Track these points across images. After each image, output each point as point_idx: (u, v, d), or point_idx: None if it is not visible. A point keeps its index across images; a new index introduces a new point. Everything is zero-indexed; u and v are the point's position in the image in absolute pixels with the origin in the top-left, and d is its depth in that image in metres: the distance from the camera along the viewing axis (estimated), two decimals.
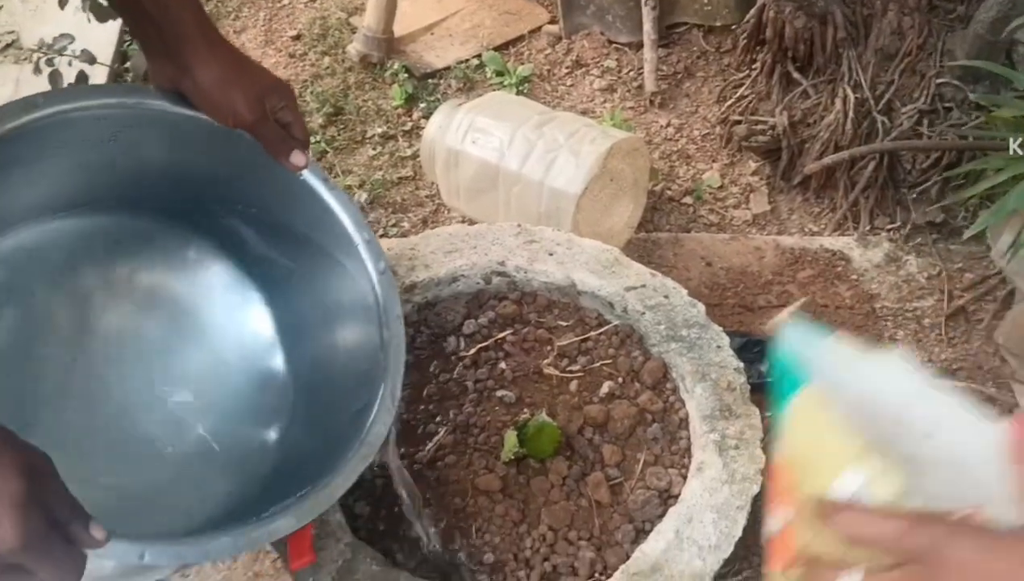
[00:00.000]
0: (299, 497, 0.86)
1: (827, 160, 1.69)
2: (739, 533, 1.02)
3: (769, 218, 1.84)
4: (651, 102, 2.03)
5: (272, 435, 1.07)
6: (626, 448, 1.13)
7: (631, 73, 2.11)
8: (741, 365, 1.16)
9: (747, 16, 1.84)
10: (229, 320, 1.11)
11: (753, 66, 1.87)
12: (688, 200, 1.87)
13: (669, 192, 1.88)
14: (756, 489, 1.05)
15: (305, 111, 2.06)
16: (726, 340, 1.18)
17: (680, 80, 2.09)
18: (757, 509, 1.15)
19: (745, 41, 1.85)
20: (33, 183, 0.93)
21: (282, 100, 0.90)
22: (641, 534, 1.07)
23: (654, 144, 1.97)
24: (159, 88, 0.90)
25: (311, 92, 2.13)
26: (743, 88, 1.90)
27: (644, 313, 1.20)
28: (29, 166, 0.89)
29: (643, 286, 1.22)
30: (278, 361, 1.11)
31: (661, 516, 1.07)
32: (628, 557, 1.04)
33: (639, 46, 2.12)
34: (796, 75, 1.77)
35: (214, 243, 1.10)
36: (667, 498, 1.09)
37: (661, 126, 2.01)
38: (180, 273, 1.09)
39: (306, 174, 0.99)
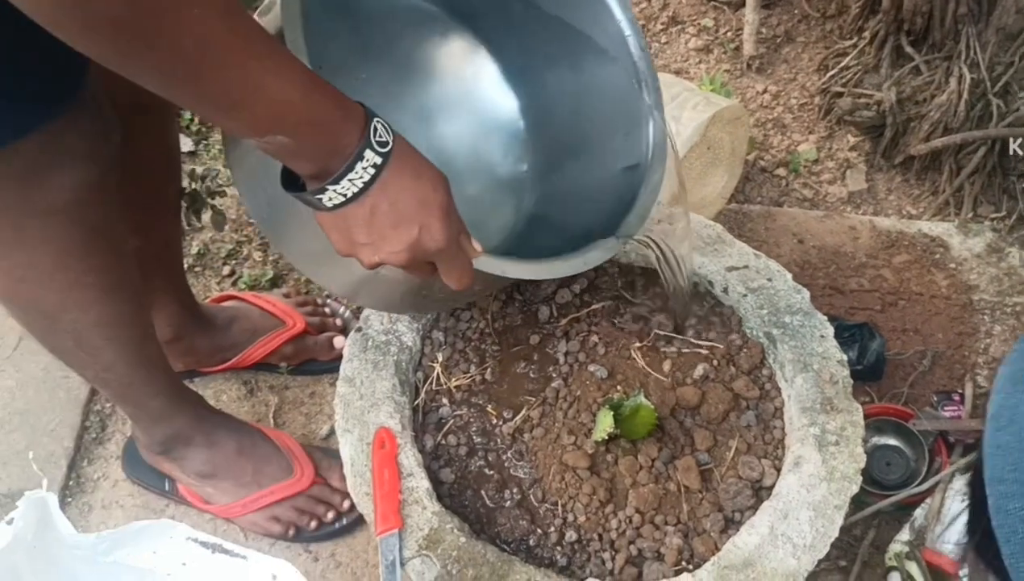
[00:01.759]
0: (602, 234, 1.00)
1: (937, 142, 1.61)
2: (835, 533, 0.99)
3: (865, 197, 1.77)
4: (748, 66, 1.95)
5: (525, 195, 1.25)
6: (718, 433, 1.10)
7: (728, 34, 2.03)
8: (844, 358, 1.11)
9: None
10: (481, 90, 1.25)
11: (862, 35, 1.78)
12: (781, 172, 1.80)
13: (762, 162, 1.82)
14: (855, 489, 1.02)
15: None
16: (830, 330, 1.14)
17: (779, 44, 2.00)
18: (868, 519, 1.12)
19: (858, 10, 1.76)
20: None
21: None
22: (730, 524, 1.04)
23: (748, 110, 1.90)
24: None
25: None
26: (848, 58, 1.81)
27: (745, 295, 1.16)
28: None
29: (746, 267, 1.18)
30: (520, 127, 1.26)
31: (752, 507, 1.04)
32: (716, 547, 1.01)
33: (738, 5, 2.03)
34: (909, 49, 1.68)
35: (481, 28, 1.23)
36: (759, 489, 1.06)
37: (757, 92, 1.93)
38: (448, 50, 1.24)
39: None
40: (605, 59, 1.10)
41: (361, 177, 0.69)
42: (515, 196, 1.25)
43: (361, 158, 0.68)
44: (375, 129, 0.69)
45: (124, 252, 1.00)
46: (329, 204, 0.71)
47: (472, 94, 1.25)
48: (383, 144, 0.70)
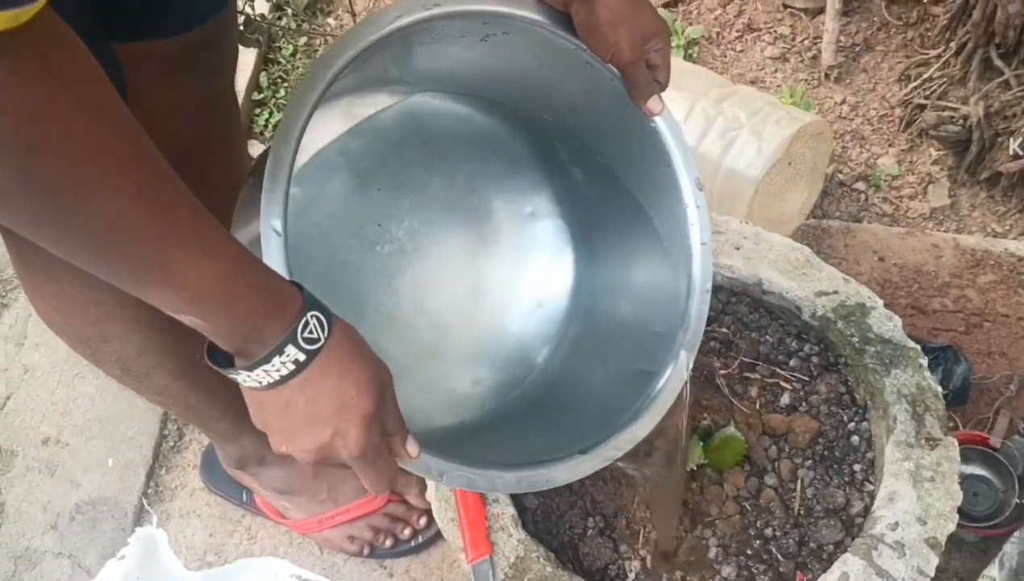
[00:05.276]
0: (581, 450, 0.89)
1: None
2: (931, 573, 0.96)
3: (948, 213, 1.72)
4: (826, 76, 1.91)
5: (540, 359, 1.13)
6: (805, 464, 1.08)
7: (805, 42, 1.99)
8: (940, 390, 1.08)
9: None
10: (525, 241, 1.15)
11: (948, 46, 1.73)
12: (860, 186, 1.76)
13: (840, 176, 1.78)
14: (951, 527, 0.99)
15: None
16: (925, 360, 1.10)
17: (858, 53, 1.95)
18: (951, 550, 1.09)
19: (946, 21, 1.71)
20: (423, 63, 0.97)
21: (660, 43, 0.87)
22: (819, 558, 1.02)
23: (827, 122, 1.86)
24: (547, 4, 0.88)
25: None
26: (932, 69, 1.76)
27: (836, 322, 1.13)
28: (424, 46, 0.91)
29: (835, 292, 1.15)
30: (563, 292, 1.15)
31: (839, 541, 1.02)
32: None
33: (815, 12, 1.99)
34: (998, 62, 1.62)
35: (539, 167, 1.13)
36: (848, 524, 1.03)
37: (835, 103, 1.89)
38: (498, 186, 1.13)
39: (658, 121, 0.95)
40: (659, 241, 1.01)
41: (279, 370, 0.64)
42: (527, 363, 1.13)
43: (281, 352, 0.63)
44: (305, 324, 0.64)
45: None
46: (244, 384, 0.67)
47: (524, 232, 1.15)
48: (312, 341, 0.64)
